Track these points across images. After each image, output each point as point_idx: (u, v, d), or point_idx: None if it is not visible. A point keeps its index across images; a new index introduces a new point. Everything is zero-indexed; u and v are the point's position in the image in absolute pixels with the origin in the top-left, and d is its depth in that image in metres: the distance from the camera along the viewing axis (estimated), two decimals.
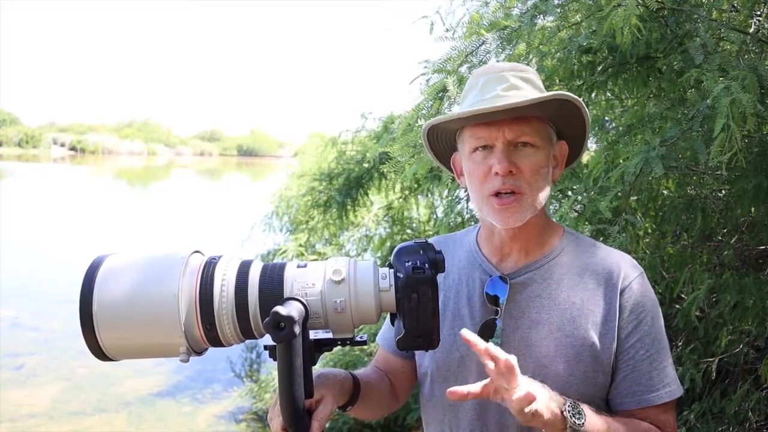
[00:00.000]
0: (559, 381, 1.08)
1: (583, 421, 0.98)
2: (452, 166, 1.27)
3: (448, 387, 1.18)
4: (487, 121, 1.10)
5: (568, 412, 0.97)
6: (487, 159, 1.11)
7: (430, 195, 4.53)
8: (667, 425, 1.12)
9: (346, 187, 4.60)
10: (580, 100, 1.11)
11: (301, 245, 5.50)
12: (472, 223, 2.80)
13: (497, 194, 1.10)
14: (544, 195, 1.13)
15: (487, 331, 1.15)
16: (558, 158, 1.19)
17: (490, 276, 1.18)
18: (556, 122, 1.15)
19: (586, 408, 1.01)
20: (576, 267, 1.15)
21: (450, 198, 3.46)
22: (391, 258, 0.97)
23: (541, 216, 1.17)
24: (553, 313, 1.13)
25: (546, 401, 0.96)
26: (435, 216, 4.83)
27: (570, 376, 1.09)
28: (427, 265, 0.93)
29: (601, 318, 1.11)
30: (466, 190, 1.34)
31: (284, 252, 5.48)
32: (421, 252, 0.94)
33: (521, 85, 1.12)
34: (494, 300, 1.16)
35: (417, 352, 1.28)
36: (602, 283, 1.13)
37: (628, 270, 1.14)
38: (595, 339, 1.10)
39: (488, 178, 1.11)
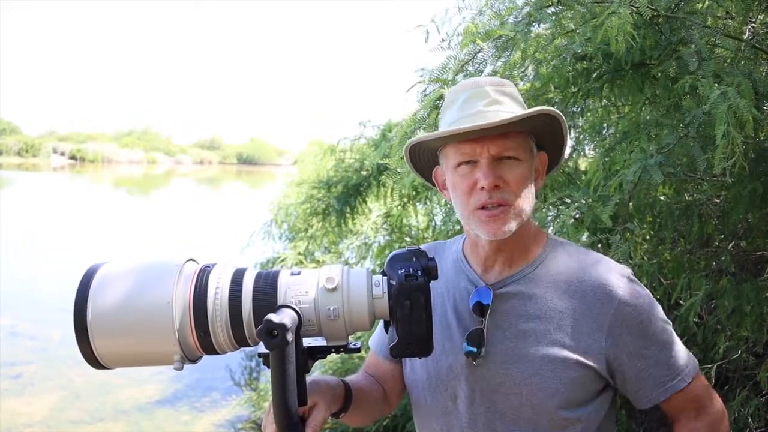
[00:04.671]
0: (547, 389, 1.10)
1: None
2: (434, 180, 1.27)
3: (439, 396, 1.20)
4: (471, 138, 1.11)
5: None
6: (473, 173, 1.12)
7: (428, 202, 4.53)
8: (704, 398, 1.17)
9: (344, 195, 4.60)
10: (561, 114, 1.13)
11: (300, 253, 5.50)
12: None
13: (484, 207, 1.11)
14: (529, 206, 1.14)
15: (474, 341, 1.15)
16: (539, 170, 1.20)
17: (476, 286, 1.19)
18: (535, 134, 1.17)
19: None
20: (561, 274, 1.16)
21: (448, 205, 3.46)
22: (385, 265, 0.98)
23: (525, 227, 1.17)
24: (538, 322, 1.13)
25: None
26: (434, 224, 4.84)
27: (558, 383, 1.10)
28: (419, 272, 0.94)
29: (587, 326, 1.11)
30: (447, 203, 1.35)
31: (283, 260, 5.47)
32: (414, 259, 0.95)
33: (502, 99, 1.14)
34: (480, 310, 1.16)
35: (405, 361, 1.29)
36: (588, 291, 1.13)
37: (615, 277, 1.14)
38: (582, 346, 1.11)
39: (474, 192, 1.12)
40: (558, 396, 1.10)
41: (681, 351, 1.16)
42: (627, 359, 1.12)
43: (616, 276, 1.15)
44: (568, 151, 2.65)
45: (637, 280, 1.17)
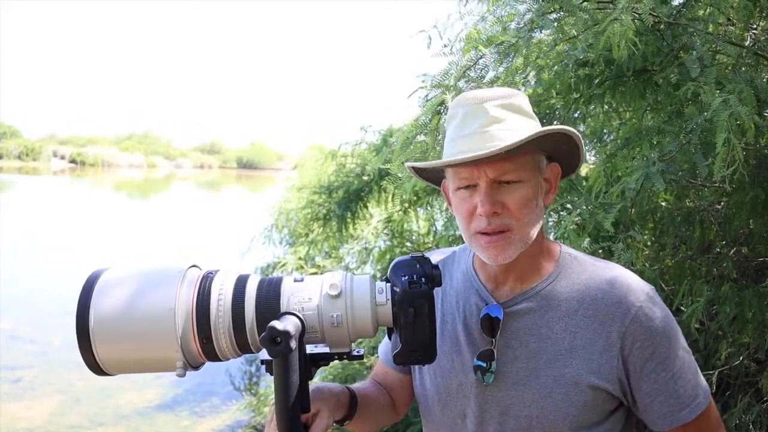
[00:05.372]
0: (558, 412, 1.07)
1: None
2: (443, 192, 1.23)
3: (448, 412, 1.17)
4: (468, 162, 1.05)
5: None
6: (472, 197, 1.07)
7: (429, 208, 4.53)
8: (711, 427, 1.11)
9: (345, 200, 4.60)
10: (570, 129, 1.07)
11: (300, 258, 5.50)
12: None
13: (484, 233, 1.07)
14: (535, 228, 1.09)
15: (484, 360, 1.12)
16: (551, 181, 1.14)
17: (486, 303, 1.15)
18: (545, 147, 1.10)
19: None
20: (574, 292, 1.11)
21: (449, 211, 3.46)
22: (388, 272, 0.98)
23: (536, 244, 1.12)
24: (550, 342, 1.09)
25: None
26: (435, 229, 4.83)
27: (570, 406, 1.07)
28: (423, 279, 0.93)
29: (600, 345, 1.08)
30: (448, 209, 1.30)
31: (284, 265, 5.48)
32: (418, 266, 0.95)
33: (504, 115, 1.06)
34: (490, 330, 1.12)
35: (415, 372, 1.26)
36: (602, 309, 1.09)
37: (632, 295, 1.08)
38: (595, 366, 1.07)
39: (474, 216, 1.07)
40: (569, 419, 1.07)
41: (693, 381, 1.09)
42: (635, 381, 1.08)
43: (633, 293, 1.09)
44: None
45: (657, 299, 1.11)
